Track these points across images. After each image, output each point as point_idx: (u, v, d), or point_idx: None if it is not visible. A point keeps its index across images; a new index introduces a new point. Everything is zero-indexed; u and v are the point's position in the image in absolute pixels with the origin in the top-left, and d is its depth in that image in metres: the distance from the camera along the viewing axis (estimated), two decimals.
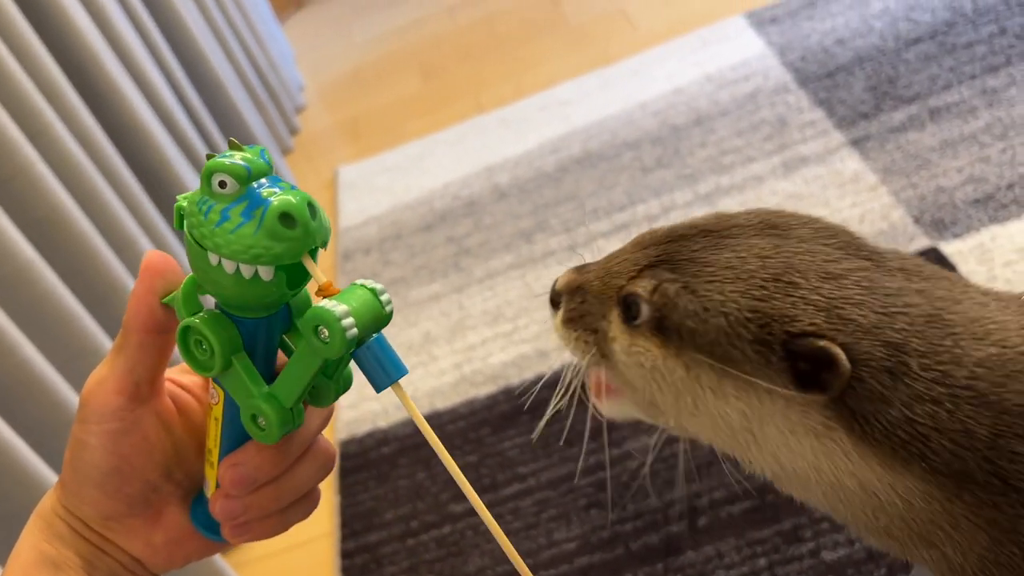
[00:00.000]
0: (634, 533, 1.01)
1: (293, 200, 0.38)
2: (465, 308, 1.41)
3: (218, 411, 0.45)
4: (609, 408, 0.56)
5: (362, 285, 0.41)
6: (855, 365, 0.44)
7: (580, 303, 0.53)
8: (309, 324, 0.39)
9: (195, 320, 0.42)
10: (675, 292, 0.48)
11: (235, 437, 0.45)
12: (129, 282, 1.11)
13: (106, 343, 1.03)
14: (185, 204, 0.40)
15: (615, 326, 0.51)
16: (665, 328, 0.49)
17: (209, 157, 0.40)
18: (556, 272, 1.39)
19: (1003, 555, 0.45)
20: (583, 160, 1.62)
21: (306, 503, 0.48)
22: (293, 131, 2.12)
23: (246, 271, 0.39)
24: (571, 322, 0.54)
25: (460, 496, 1.12)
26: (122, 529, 0.46)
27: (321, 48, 2.55)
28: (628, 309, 0.50)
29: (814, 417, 0.46)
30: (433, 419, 1.23)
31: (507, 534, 0.41)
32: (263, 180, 0.39)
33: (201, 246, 0.39)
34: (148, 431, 0.45)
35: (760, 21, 1.78)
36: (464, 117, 1.93)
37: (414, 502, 1.14)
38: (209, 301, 0.43)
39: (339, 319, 0.39)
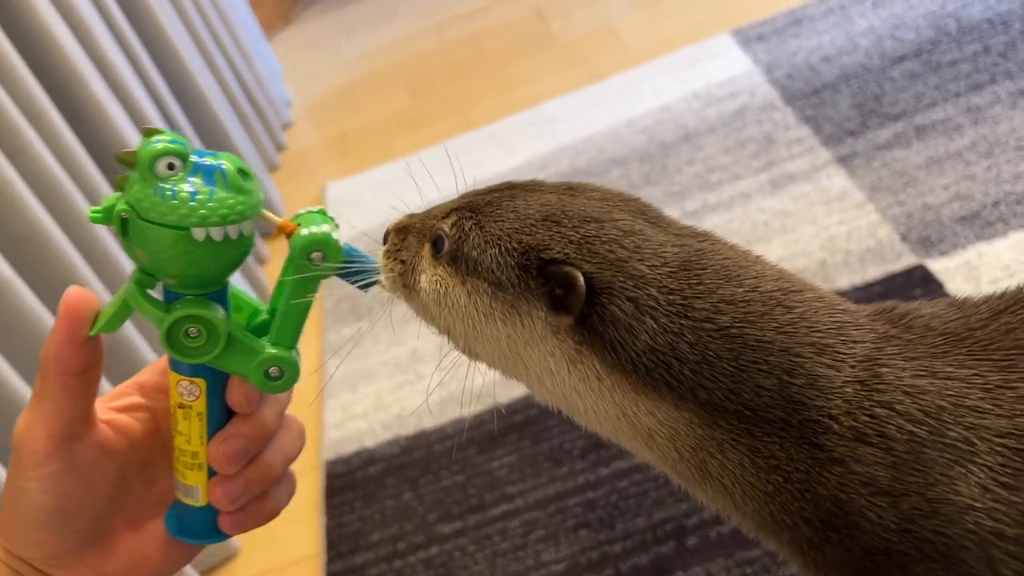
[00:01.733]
0: (623, 554, 0.99)
1: (232, 158, 0.42)
2: None
3: (200, 405, 0.46)
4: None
5: (309, 211, 0.46)
6: (600, 292, 0.49)
7: (402, 240, 0.60)
8: (303, 253, 0.43)
9: (182, 311, 0.43)
10: (468, 227, 0.55)
11: (218, 425, 0.46)
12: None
13: None
14: (127, 205, 0.41)
15: (424, 259, 0.57)
16: (457, 259, 0.55)
17: (126, 154, 0.41)
18: None
19: (770, 485, 0.48)
20: (571, 177, 1.62)
21: (287, 484, 0.50)
22: (280, 148, 2.12)
23: (216, 233, 0.41)
24: (389, 254, 0.60)
25: (447, 517, 1.11)
26: (70, 565, 0.46)
27: (309, 64, 2.55)
28: (435, 244, 0.57)
29: (567, 343, 0.51)
30: (420, 438, 1.22)
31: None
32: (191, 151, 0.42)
33: (180, 228, 0.41)
34: (88, 465, 0.45)
35: (747, 39, 1.79)
36: (453, 134, 1.92)
37: (401, 523, 1.12)
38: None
39: (331, 235, 0.44)
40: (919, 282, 1.16)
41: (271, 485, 0.49)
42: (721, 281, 0.49)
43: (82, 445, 0.45)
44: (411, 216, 0.63)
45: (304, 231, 0.44)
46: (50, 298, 1.01)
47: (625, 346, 0.49)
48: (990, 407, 0.45)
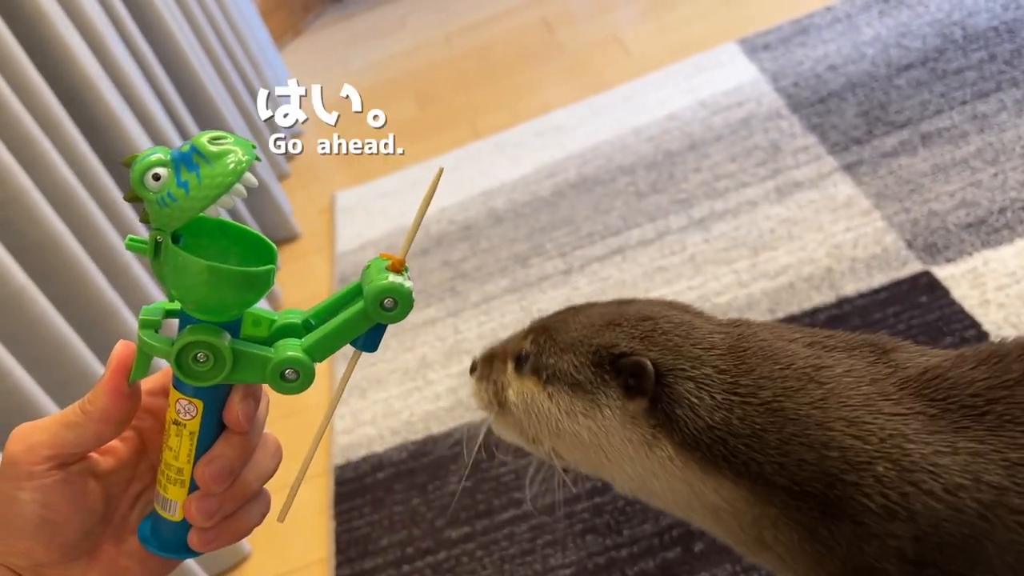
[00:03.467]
0: (630, 559, 1.00)
1: (201, 134, 0.44)
2: (461, 332, 1.41)
3: (194, 425, 0.47)
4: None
5: (381, 257, 0.48)
6: (665, 375, 0.56)
7: (489, 365, 0.67)
8: (379, 294, 0.45)
9: (188, 338, 0.44)
10: (543, 340, 0.64)
11: (206, 445, 0.48)
12: (122, 309, 1.11)
13: (97, 367, 1.02)
14: (156, 230, 0.43)
15: (509, 375, 0.65)
16: (539, 370, 0.63)
17: (128, 193, 0.44)
18: (552, 296, 1.40)
19: (817, 554, 0.52)
20: (578, 185, 1.63)
21: (261, 503, 0.51)
22: (290, 157, 2.13)
23: (226, 201, 0.43)
24: (482, 379, 0.68)
25: (455, 522, 1.11)
26: (55, 574, 0.47)
27: (319, 74, 2.57)
28: (518, 361, 0.65)
29: (643, 427, 0.57)
30: (428, 443, 1.23)
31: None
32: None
33: (197, 223, 0.44)
34: (77, 483, 0.47)
35: (753, 48, 1.80)
36: (460, 143, 1.94)
37: (409, 528, 1.13)
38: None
39: (408, 287, 0.46)
40: (925, 289, 1.17)
41: (245, 503, 0.50)
42: (760, 360, 0.56)
43: (75, 466, 0.47)
44: (492, 348, 0.71)
45: (390, 278, 0.46)
46: (64, 305, 1.02)
47: (690, 423, 0.55)
48: (1008, 484, 0.48)
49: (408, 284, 0.46)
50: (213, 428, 0.48)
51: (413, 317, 1.50)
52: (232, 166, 0.43)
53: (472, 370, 0.71)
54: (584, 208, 1.56)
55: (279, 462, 0.52)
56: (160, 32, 1.55)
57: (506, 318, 1.40)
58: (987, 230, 1.21)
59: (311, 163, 2.14)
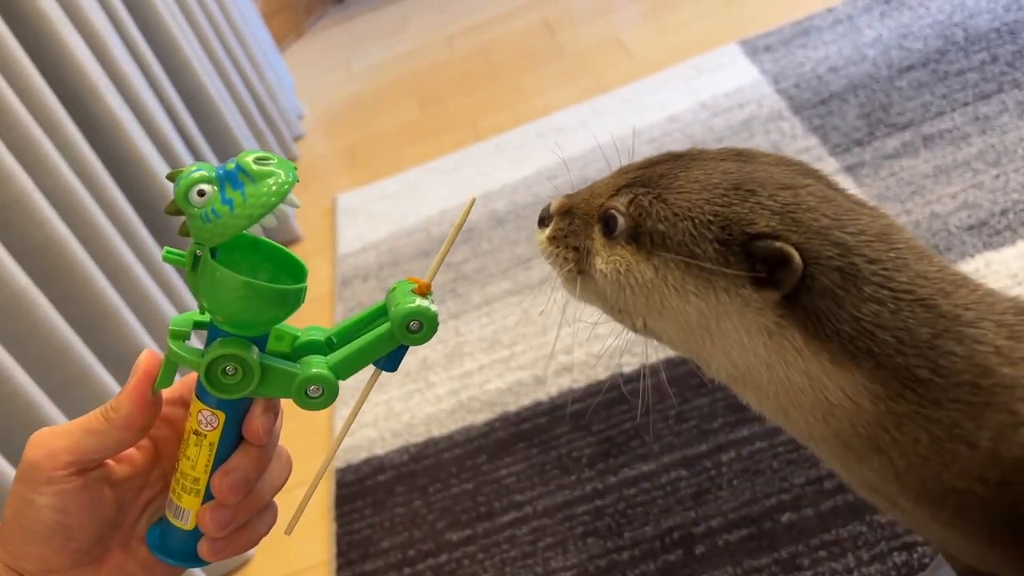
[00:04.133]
0: (631, 562, 1.00)
1: (245, 153, 0.45)
2: (462, 334, 1.41)
3: (215, 436, 0.48)
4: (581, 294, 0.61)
5: (406, 280, 0.49)
6: (807, 264, 0.49)
7: (568, 224, 0.59)
8: (405, 317, 0.46)
9: (218, 351, 0.45)
10: (648, 202, 0.54)
11: (224, 455, 0.49)
12: (123, 310, 1.11)
13: (98, 369, 1.02)
14: (196, 245, 0.45)
15: (597, 242, 0.57)
16: (639, 235, 0.54)
17: (169, 205, 0.45)
18: (554, 298, 1.40)
19: (948, 454, 0.49)
20: (580, 187, 1.62)
21: (269, 514, 0.52)
22: (292, 159, 2.14)
23: (268, 220, 0.44)
24: (555, 240, 0.60)
25: (456, 524, 1.11)
26: None
27: (320, 77, 2.57)
28: (607, 224, 0.56)
29: (768, 315, 0.50)
30: (429, 445, 1.23)
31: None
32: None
33: (236, 242, 0.45)
34: (95, 488, 0.47)
35: (754, 49, 1.80)
36: (461, 145, 1.94)
37: (410, 530, 1.13)
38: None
39: (436, 318, 0.47)
40: None
41: (256, 515, 0.50)
42: (915, 257, 0.51)
43: (93, 473, 0.48)
44: (570, 197, 0.62)
45: (417, 302, 0.47)
46: (65, 307, 1.02)
47: (831, 316, 0.49)
48: None
49: (434, 308, 0.47)
50: (232, 440, 0.49)
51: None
52: (276, 187, 0.43)
53: (541, 223, 0.61)
54: None
55: (290, 474, 0.53)
56: (161, 34, 1.55)
57: (508, 320, 1.40)
58: (989, 232, 1.21)
59: (313, 165, 2.14)
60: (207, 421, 0.48)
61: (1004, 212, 1.23)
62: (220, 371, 0.46)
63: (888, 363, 0.49)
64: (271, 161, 0.44)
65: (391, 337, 0.47)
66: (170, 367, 0.47)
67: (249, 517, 0.50)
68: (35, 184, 1.02)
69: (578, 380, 1.23)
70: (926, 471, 0.50)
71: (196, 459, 0.49)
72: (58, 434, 0.46)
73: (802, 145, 1.50)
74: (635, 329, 0.57)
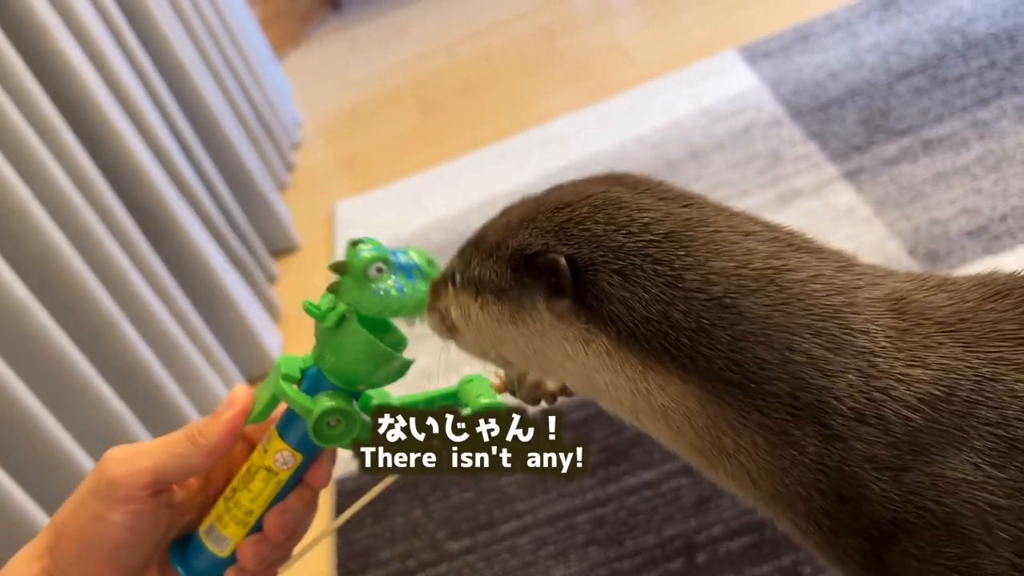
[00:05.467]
0: (632, 570, 0.99)
1: (419, 251, 0.52)
2: None
3: (286, 476, 0.51)
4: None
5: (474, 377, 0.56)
6: (586, 271, 0.52)
7: (435, 294, 0.63)
8: (482, 410, 0.48)
9: (331, 404, 0.49)
10: (468, 253, 0.60)
11: (283, 495, 0.52)
12: (122, 322, 1.11)
13: (96, 381, 1.02)
14: (347, 305, 0.49)
15: (449, 296, 0.61)
16: (468, 283, 0.59)
17: (337, 264, 0.50)
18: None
19: (784, 459, 0.49)
20: None
21: (288, 550, 0.54)
22: (290, 167, 2.13)
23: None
24: (431, 310, 0.64)
25: (457, 534, 1.11)
26: None
27: (319, 84, 2.57)
28: (452, 280, 0.61)
29: (576, 325, 0.53)
30: None
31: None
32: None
33: (402, 314, 0.51)
34: (161, 509, 0.50)
35: (753, 56, 1.80)
36: (462, 152, 1.94)
37: (410, 540, 1.13)
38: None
39: (501, 401, 0.52)
40: None
41: (285, 552, 0.53)
42: (709, 255, 0.51)
43: (163, 495, 0.50)
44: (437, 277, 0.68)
45: (497, 398, 0.53)
46: (64, 318, 1.02)
47: (623, 318, 0.51)
48: (980, 399, 0.47)
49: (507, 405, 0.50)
50: (294, 481, 0.52)
51: (415, 327, 1.49)
52: None
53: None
54: None
55: (315, 515, 0.56)
56: (159, 42, 1.55)
57: None
58: (988, 237, 1.21)
59: (311, 174, 2.14)
60: (284, 461, 0.50)
61: (1004, 217, 1.23)
62: (326, 422, 0.49)
63: (692, 366, 0.49)
64: (436, 268, 0.52)
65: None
66: (270, 405, 0.50)
67: (281, 555, 0.53)
68: (32, 194, 1.02)
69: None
70: (773, 476, 0.50)
71: (259, 494, 0.51)
72: (140, 453, 0.48)
73: (801, 151, 1.49)
74: (501, 364, 0.62)
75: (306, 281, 1.75)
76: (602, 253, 0.51)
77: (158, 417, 1.17)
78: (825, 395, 0.48)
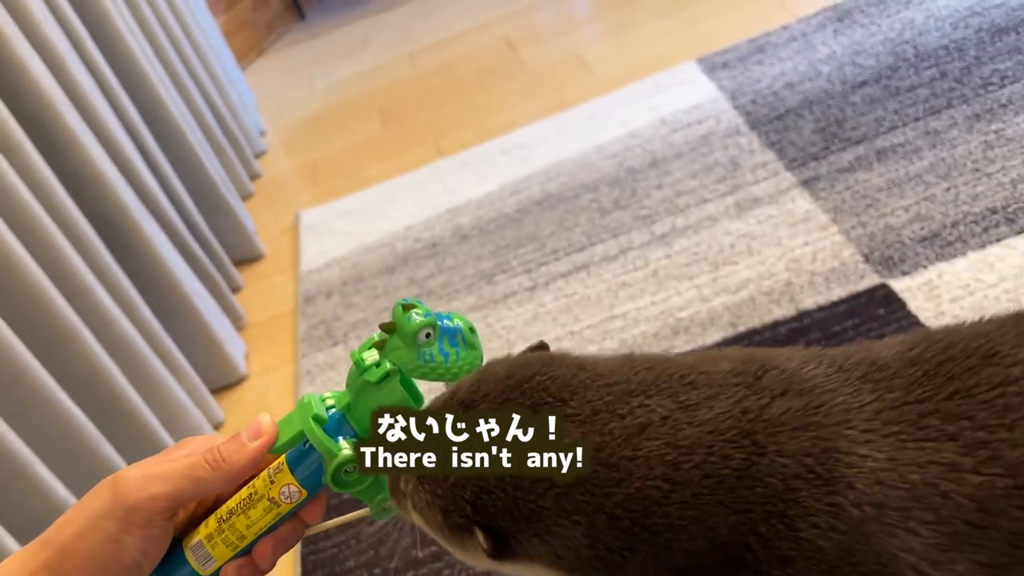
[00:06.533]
0: None
1: (463, 319, 0.54)
2: None
3: (287, 508, 0.52)
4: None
5: None
6: (508, 538, 0.48)
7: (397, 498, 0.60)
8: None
9: (351, 453, 0.51)
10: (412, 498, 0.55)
11: (277, 525, 0.53)
12: (83, 332, 1.10)
13: (58, 393, 1.01)
14: (393, 364, 0.51)
15: (406, 506, 0.57)
16: (415, 507, 0.55)
17: (388, 325, 0.52)
18: (518, 313, 1.41)
19: None
20: (543, 202, 1.64)
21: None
22: (254, 176, 2.13)
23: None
24: (394, 494, 0.60)
25: (424, 541, 1.11)
26: None
27: (282, 94, 2.57)
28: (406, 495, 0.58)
29: (521, 565, 0.51)
30: None
31: None
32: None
33: (442, 378, 0.53)
34: (168, 531, 0.51)
35: (712, 66, 1.83)
36: (425, 161, 1.94)
37: (376, 549, 1.13)
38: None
39: None
40: (882, 302, 1.19)
41: None
42: (612, 486, 0.47)
43: (175, 517, 0.51)
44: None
45: None
46: (24, 330, 1.01)
47: (565, 557, 0.48)
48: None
49: None
50: (291, 514, 0.54)
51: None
52: (477, 362, 0.54)
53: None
54: (548, 225, 1.58)
55: None
56: (120, 51, 1.54)
57: None
58: (941, 243, 1.24)
59: (275, 182, 2.13)
60: (289, 494, 0.52)
61: (955, 224, 1.26)
62: (344, 468, 0.51)
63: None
64: (476, 336, 0.55)
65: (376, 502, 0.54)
66: (295, 440, 0.52)
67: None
68: None
69: None
70: None
71: (256, 522, 0.52)
72: (155, 478, 0.48)
73: (759, 160, 1.53)
74: None
75: (271, 289, 1.74)
76: (515, 522, 0.48)
77: (120, 427, 1.16)
78: (744, 552, 0.46)
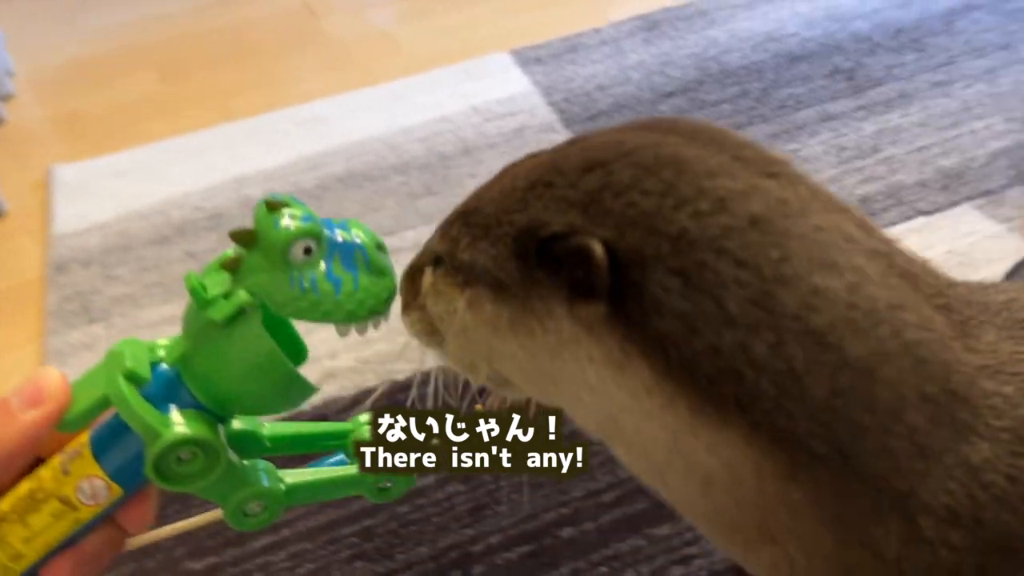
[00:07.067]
0: None
1: (363, 228, 0.37)
2: None
3: (90, 513, 0.37)
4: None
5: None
6: (630, 266, 0.36)
7: (412, 284, 0.50)
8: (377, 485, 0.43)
9: (187, 434, 0.35)
10: (455, 231, 0.45)
11: (74, 538, 0.38)
12: None
13: None
14: (251, 296, 0.35)
15: (427, 287, 0.47)
16: (455, 271, 0.45)
17: (246, 236, 0.35)
18: None
19: (850, 561, 0.38)
20: (346, 179, 1.52)
21: None
22: None
23: (360, 329, 0.38)
24: (408, 309, 0.49)
25: (199, 552, 0.96)
26: None
27: (38, 33, 2.23)
28: (436, 264, 0.47)
29: (609, 342, 0.38)
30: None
31: None
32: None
33: (328, 320, 0.37)
34: None
35: (526, 60, 1.79)
36: (209, 124, 1.75)
37: (140, 561, 0.96)
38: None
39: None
40: None
41: None
42: (814, 266, 0.36)
43: None
44: (416, 259, 0.51)
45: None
46: None
47: (679, 342, 0.36)
48: None
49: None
50: (99, 520, 0.37)
51: (148, 314, 1.31)
52: (387, 293, 0.37)
53: (401, 294, 0.50)
54: (353, 204, 1.46)
55: None
56: None
57: None
58: None
59: (23, 130, 1.84)
60: (93, 494, 0.36)
61: None
62: (176, 455, 0.35)
63: (768, 424, 0.35)
64: (386, 255, 0.38)
65: (356, 485, 0.42)
66: (95, 409, 0.35)
67: None
68: None
69: (346, 387, 1.13)
70: (827, 574, 0.39)
71: (40, 533, 0.35)
72: None
73: None
74: (496, 384, 0.47)
75: (14, 252, 1.48)
76: (655, 241, 0.36)
77: None
78: (920, 486, 0.36)
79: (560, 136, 1.56)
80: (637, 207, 0.37)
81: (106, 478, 0.36)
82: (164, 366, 0.38)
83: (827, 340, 0.35)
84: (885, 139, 1.44)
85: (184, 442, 0.35)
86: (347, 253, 0.37)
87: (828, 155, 1.43)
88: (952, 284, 0.42)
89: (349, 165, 1.56)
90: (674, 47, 1.77)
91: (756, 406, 0.35)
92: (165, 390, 0.37)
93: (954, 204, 1.31)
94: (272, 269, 0.36)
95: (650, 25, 1.85)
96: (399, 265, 1.30)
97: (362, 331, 0.38)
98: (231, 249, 0.38)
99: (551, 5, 2.03)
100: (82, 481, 0.36)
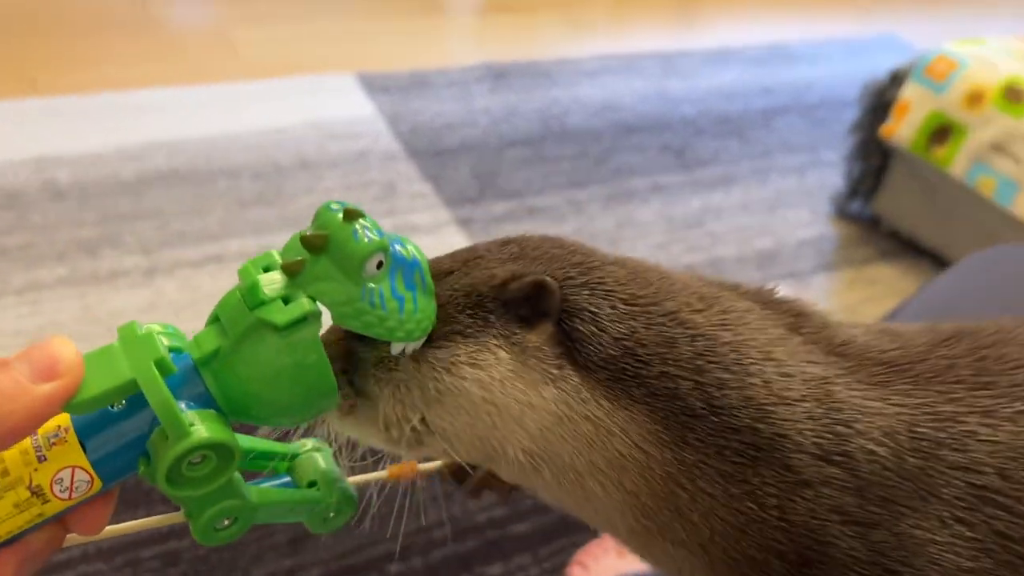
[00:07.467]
0: None
1: (418, 247, 0.37)
2: None
3: (55, 508, 0.31)
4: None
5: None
6: (563, 290, 0.46)
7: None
8: (345, 501, 0.42)
9: (214, 433, 0.31)
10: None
11: (24, 534, 0.32)
12: None
13: None
14: (308, 304, 0.33)
15: (364, 352, 0.46)
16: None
17: (318, 243, 0.34)
18: (127, 297, 1.16)
19: (742, 515, 0.44)
20: (169, 177, 1.41)
21: None
22: None
23: (411, 348, 0.39)
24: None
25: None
26: None
27: None
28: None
29: (547, 359, 0.45)
30: None
31: None
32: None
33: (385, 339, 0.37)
34: None
35: (372, 86, 1.76)
36: (13, 95, 1.57)
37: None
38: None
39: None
40: None
41: None
42: (659, 278, 0.48)
43: None
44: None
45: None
46: None
47: (593, 339, 0.45)
48: (943, 438, 0.44)
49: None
50: (58, 517, 0.32)
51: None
52: (432, 319, 0.39)
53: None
54: (175, 204, 1.35)
55: None
56: None
57: (60, 315, 1.12)
58: None
59: None
60: (72, 487, 0.31)
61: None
62: (187, 464, 0.31)
63: (661, 390, 0.44)
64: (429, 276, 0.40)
65: (308, 511, 0.41)
66: (125, 389, 0.30)
67: None
68: None
69: None
70: (728, 538, 0.45)
71: (15, 521, 0.30)
72: None
73: (417, 189, 1.48)
74: (410, 444, 0.48)
75: None
76: (568, 270, 0.46)
77: None
78: (786, 428, 0.43)
79: (404, 165, 1.53)
80: (549, 253, 0.47)
81: (88, 470, 0.31)
82: (186, 357, 0.33)
83: (679, 317, 0.46)
84: (709, 215, 1.54)
85: (208, 445, 0.31)
86: (409, 271, 0.37)
87: (658, 222, 1.51)
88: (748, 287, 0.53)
89: (172, 161, 1.45)
90: (520, 100, 1.81)
91: (649, 374, 0.44)
92: (181, 384, 0.32)
93: (767, 281, 1.42)
94: (344, 279, 0.34)
95: (497, 74, 1.89)
96: (227, 274, 1.21)
97: (412, 349, 0.40)
98: (275, 250, 0.36)
99: (398, 34, 2.03)
100: (62, 471, 0.30)
